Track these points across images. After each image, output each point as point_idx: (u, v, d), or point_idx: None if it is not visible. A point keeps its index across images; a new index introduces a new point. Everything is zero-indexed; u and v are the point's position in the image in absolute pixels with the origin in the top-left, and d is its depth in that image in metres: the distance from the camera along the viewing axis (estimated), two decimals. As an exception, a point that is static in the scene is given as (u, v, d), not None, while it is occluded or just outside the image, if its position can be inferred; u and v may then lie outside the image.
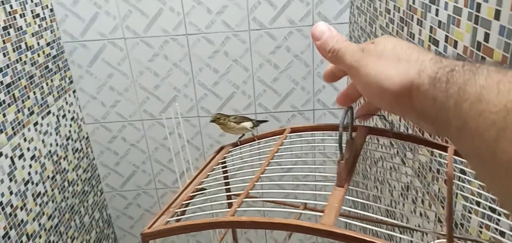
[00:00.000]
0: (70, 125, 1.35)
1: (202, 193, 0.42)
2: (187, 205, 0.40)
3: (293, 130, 0.42)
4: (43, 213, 1.18)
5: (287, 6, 1.24)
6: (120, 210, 1.61)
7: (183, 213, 0.40)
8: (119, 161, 1.51)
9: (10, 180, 1.04)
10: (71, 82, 1.36)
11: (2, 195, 1.01)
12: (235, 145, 0.46)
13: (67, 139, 1.33)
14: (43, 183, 1.19)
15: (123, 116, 1.42)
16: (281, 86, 1.36)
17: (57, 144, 1.26)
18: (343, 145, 0.31)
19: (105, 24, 1.27)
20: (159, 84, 1.36)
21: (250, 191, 0.37)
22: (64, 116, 1.31)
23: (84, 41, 1.30)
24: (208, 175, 0.42)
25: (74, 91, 1.37)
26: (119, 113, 1.41)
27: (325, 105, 1.39)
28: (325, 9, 1.24)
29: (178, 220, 0.38)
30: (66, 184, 1.31)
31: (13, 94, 1.07)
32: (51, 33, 1.25)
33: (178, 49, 1.31)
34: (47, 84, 1.22)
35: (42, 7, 1.21)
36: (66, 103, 1.33)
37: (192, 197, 0.41)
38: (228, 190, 0.48)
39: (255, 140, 0.46)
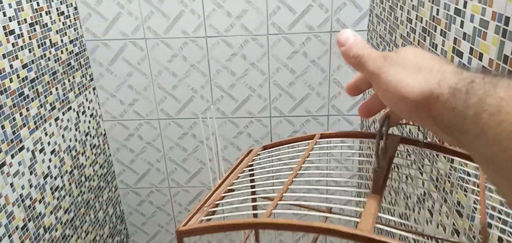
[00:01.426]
0: (89, 122, 1.37)
1: (231, 194, 0.43)
2: (217, 205, 0.41)
3: (323, 136, 0.43)
4: (60, 207, 1.20)
5: (306, 12, 1.25)
6: (133, 206, 1.63)
7: (213, 213, 0.41)
8: (135, 159, 1.53)
9: (31, 173, 1.07)
10: (92, 79, 1.39)
11: (23, 187, 1.03)
12: (264, 148, 0.47)
13: (86, 135, 1.35)
14: (62, 177, 1.21)
15: (140, 115, 1.44)
16: (297, 91, 1.37)
17: (76, 140, 1.29)
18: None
19: (127, 24, 1.29)
20: (177, 84, 1.38)
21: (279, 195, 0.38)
22: (83, 112, 1.34)
23: (106, 40, 1.32)
24: (239, 176, 0.43)
25: (94, 89, 1.40)
26: (136, 111, 1.44)
27: (339, 111, 1.40)
28: (344, 16, 1.25)
29: (208, 220, 0.39)
30: (83, 179, 1.33)
31: (37, 89, 1.09)
32: (75, 31, 1.28)
33: (197, 51, 1.32)
34: (68, 80, 1.25)
35: (66, 5, 1.24)
36: (86, 99, 1.35)
37: (223, 198, 0.42)
38: (254, 193, 0.49)
39: (283, 145, 0.47)
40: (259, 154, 0.48)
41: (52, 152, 1.17)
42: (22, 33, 1.03)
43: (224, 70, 1.35)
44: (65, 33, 1.23)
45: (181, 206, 1.62)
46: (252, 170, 0.48)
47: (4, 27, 0.97)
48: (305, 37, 1.29)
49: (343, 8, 1.24)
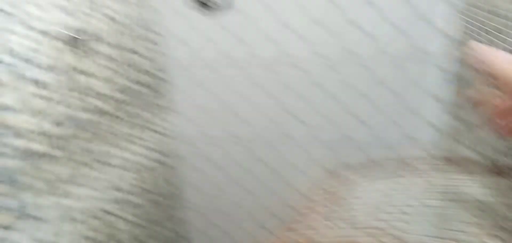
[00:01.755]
0: (164, 141, 1.43)
1: (323, 217, 0.39)
2: (309, 227, 0.37)
3: (437, 163, 0.38)
4: (131, 222, 1.24)
5: (385, 39, 1.20)
6: (200, 228, 1.63)
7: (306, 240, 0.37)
8: (205, 180, 1.54)
9: (109, 188, 1.12)
10: (170, 101, 1.45)
11: (101, 201, 1.08)
12: (348, 168, 0.43)
13: (160, 154, 1.40)
14: (135, 193, 1.25)
15: (214, 137, 1.47)
16: (372, 119, 1.30)
17: (151, 158, 1.34)
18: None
19: (207, 48, 1.35)
20: (252, 108, 1.39)
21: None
22: (160, 132, 1.40)
23: (186, 64, 1.39)
24: (332, 202, 0.39)
25: (171, 110, 1.46)
26: (210, 134, 1.47)
27: (416, 139, 1.29)
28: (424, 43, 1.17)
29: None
30: (154, 196, 1.37)
31: (119, 108, 1.16)
32: (157, 54, 1.36)
33: (273, 77, 1.33)
34: (149, 102, 1.32)
35: (150, 30, 1.32)
36: (163, 120, 1.42)
37: (314, 220, 0.38)
38: (353, 223, 0.45)
39: (376, 168, 0.42)
40: (355, 180, 0.43)
41: (129, 168, 1.21)
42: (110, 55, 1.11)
43: (298, 97, 1.33)
44: (149, 57, 1.30)
45: (252, 235, 1.58)
46: (344, 196, 0.44)
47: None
48: (383, 65, 1.23)
49: (425, 36, 1.17)
